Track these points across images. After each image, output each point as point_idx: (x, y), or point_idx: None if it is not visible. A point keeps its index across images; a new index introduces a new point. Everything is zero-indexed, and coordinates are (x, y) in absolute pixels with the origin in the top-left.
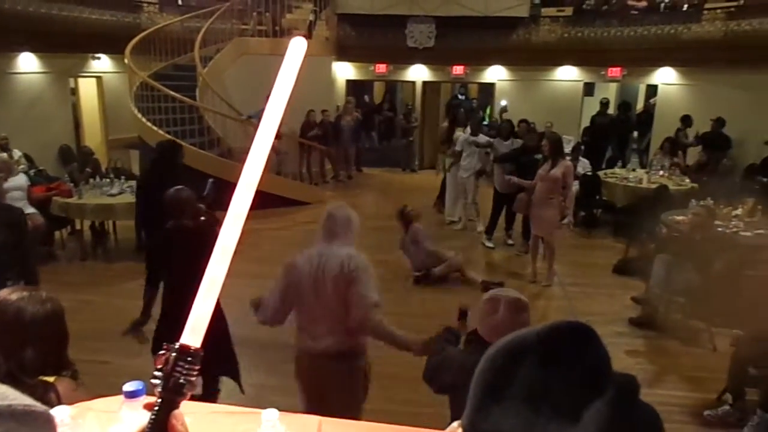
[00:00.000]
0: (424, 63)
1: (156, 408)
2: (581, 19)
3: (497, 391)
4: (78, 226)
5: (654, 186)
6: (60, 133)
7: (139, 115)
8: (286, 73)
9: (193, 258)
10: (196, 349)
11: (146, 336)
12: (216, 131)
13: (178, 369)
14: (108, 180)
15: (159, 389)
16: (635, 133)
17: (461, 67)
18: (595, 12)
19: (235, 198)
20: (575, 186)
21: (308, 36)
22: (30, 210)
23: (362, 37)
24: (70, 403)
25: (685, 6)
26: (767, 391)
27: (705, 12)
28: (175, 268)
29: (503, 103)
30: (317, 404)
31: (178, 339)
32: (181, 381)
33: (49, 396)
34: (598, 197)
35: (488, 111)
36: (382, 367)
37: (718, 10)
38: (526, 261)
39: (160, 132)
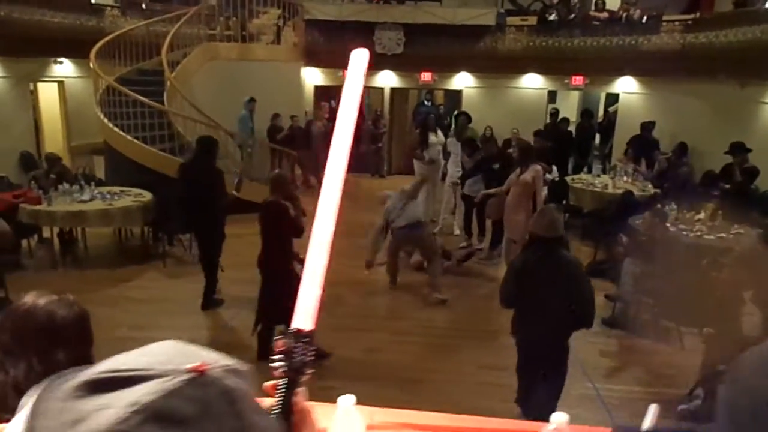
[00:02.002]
0: (393, 69)
1: (282, 387)
2: (545, 29)
3: None
4: (46, 234)
5: (619, 191)
6: (20, 140)
7: (106, 120)
8: (352, 82)
9: (278, 230)
10: (309, 331)
11: None
12: (185, 136)
13: (297, 350)
14: (78, 186)
15: (283, 370)
16: (597, 140)
17: (429, 74)
18: (559, 22)
19: (322, 197)
20: (544, 191)
21: (277, 41)
22: None
23: (330, 43)
24: None
25: (645, 18)
26: None
27: (663, 24)
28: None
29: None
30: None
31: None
32: (302, 360)
33: None
34: (565, 202)
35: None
36: None
37: (676, 23)
38: (497, 264)
39: (128, 137)
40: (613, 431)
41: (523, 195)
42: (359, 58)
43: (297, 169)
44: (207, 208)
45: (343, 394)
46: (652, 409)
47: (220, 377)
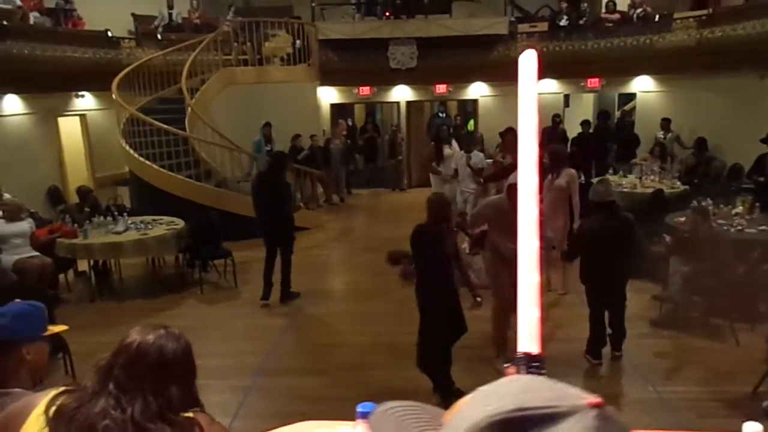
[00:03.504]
0: (407, 83)
1: None
2: (557, 34)
3: None
4: (82, 267)
5: (648, 191)
6: (47, 174)
7: (131, 151)
8: (526, 86)
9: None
10: (538, 354)
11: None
12: (209, 162)
13: (532, 374)
14: (110, 218)
15: None
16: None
17: (444, 86)
18: (571, 26)
19: (521, 214)
20: None
21: (292, 63)
22: (33, 253)
23: (345, 61)
24: None
25: (657, 16)
26: None
27: (677, 21)
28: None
29: None
30: None
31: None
32: None
33: (194, 431)
34: None
35: (470, 125)
36: None
37: (690, 19)
38: None
39: (154, 166)
40: None
41: (559, 200)
42: (528, 59)
43: (318, 187)
44: (278, 212)
45: None
46: None
47: (611, 410)
